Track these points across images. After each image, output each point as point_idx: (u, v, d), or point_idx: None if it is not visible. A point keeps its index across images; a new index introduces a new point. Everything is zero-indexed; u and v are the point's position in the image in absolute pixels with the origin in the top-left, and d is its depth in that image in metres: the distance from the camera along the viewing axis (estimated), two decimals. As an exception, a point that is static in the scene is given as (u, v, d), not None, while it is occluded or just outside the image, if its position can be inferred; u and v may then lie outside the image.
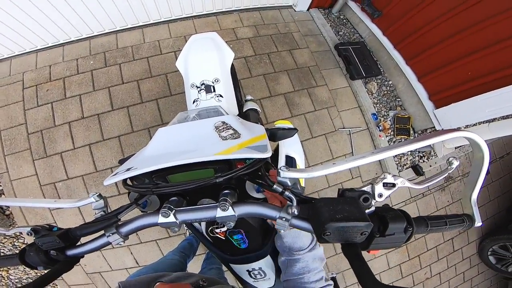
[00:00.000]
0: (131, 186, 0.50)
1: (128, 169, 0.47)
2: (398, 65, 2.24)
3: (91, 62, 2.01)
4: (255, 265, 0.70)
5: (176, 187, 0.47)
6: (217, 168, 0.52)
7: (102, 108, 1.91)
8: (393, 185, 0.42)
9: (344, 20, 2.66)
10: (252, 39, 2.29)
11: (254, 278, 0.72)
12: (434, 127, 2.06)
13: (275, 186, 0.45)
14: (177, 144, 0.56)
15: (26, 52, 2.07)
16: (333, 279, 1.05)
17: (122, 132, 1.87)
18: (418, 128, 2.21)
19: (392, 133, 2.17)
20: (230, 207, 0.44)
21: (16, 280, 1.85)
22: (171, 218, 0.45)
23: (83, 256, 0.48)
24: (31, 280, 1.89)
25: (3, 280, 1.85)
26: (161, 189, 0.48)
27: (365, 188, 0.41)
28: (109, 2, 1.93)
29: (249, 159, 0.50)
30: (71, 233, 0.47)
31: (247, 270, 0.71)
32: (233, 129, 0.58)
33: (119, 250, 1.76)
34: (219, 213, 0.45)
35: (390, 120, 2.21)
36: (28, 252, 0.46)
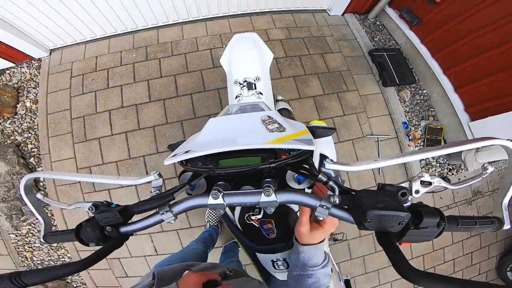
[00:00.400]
0: (192, 166, 0.54)
1: (187, 152, 0.51)
2: (434, 74, 2.16)
3: (134, 55, 2.11)
4: (281, 255, 0.71)
5: (234, 169, 0.51)
6: (264, 157, 0.56)
7: (140, 99, 1.98)
8: (430, 183, 0.44)
9: (380, 26, 2.60)
10: (283, 41, 2.31)
11: (276, 269, 0.74)
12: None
13: (320, 176, 0.48)
14: (229, 132, 0.60)
15: (77, 43, 2.21)
16: (347, 281, 1.06)
17: (157, 123, 1.93)
18: (449, 140, 2.12)
19: (422, 143, 2.09)
20: (273, 193, 0.47)
21: (38, 262, 1.93)
22: (220, 200, 0.48)
23: (132, 234, 0.50)
24: (53, 263, 1.98)
25: (26, 261, 1.92)
26: (222, 169, 0.51)
27: (403, 184, 0.44)
28: None
29: (294, 150, 0.54)
30: (128, 210, 0.49)
31: (272, 260, 0.73)
32: (278, 123, 0.61)
33: (141, 237, 1.79)
34: (262, 198, 0.47)
35: (421, 130, 2.14)
36: (85, 228, 0.48)
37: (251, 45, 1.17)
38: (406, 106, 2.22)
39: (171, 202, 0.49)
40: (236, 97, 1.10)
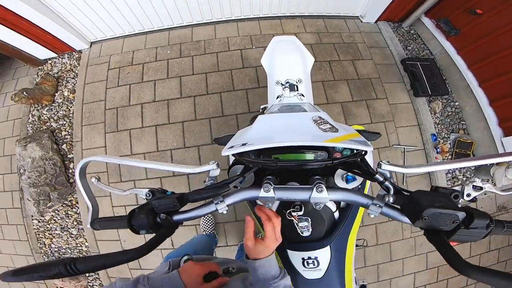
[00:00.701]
0: (253, 159, 0.56)
1: (244, 144, 0.52)
2: (469, 86, 2.07)
3: (168, 51, 2.17)
4: (313, 254, 0.70)
5: (293, 163, 0.52)
6: (317, 154, 0.59)
7: (172, 95, 2.01)
8: (481, 188, 0.46)
9: (415, 35, 2.53)
10: (313, 45, 2.29)
11: (305, 267, 0.72)
12: None
13: (377, 176, 0.49)
14: (281, 129, 0.61)
15: (116, 37, 2.29)
16: (363, 286, 1.04)
17: (186, 118, 1.95)
18: (480, 154, 2.00)
19: (449, 157, 1.99)
20: (325, 190, 0.48)
21: (56, 249, 1.94)
22: (271, 193, 0.49)
23: (182, 223, 0.50)
24: (70, 252, 1.99)
25: (44, 248, 1.94)
26: (284, 163, 0.53)
27: (456, 188, 0.46)
28: None
29: (348, 150, 0.58)
30: (185, 198, 0.49)
31: (302, 258, 0.72)
32: (330, 124, 0.62)
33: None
34: (314, 194, 0.48)
35: (449, 144, 2.05)
36: (138, 214, 0.47)
37: (294, 48, 1.19)
38: (436, 118, 2.15)
39: (225, 193, 0.48)
40: (278, 97, 1.11)
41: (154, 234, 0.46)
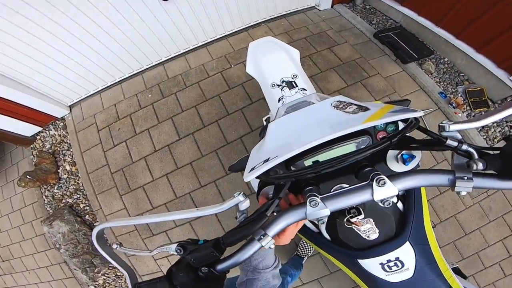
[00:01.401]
0: (286, 174, 0.37)
1: (266, 161, 0.34)
2: (448, 41, 1.71)
3: (149, 95, 1.60)
4: (392, 255, 0.47)
5: (337, 162, 0.32)
6: (359, 142, 0.39)
7: (170, 139, 1.66)
8: None
9: (372, 10, 2.15)
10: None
11: (388, 271, 0.49)
12: None
13: (449, 141, 0.30)
14: (302, 128, 0.40)
15: (91, 94, 1.87)
16: (456, 269, 0.77)
17: (192, 158, 1.61)
18: (496, 98, 1.64)
19: (468, 108, 1.64)
20: (388, 182, 0.30)
21: None
22: (321, 207, 0.31)
23: (228, 271, 0.33)
24: None
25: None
26: (327, 166, 0.32)
27: None
28: (150, 34, 1.66)
29: (390, 126, 0.40)
30: (221, 243, 0.33)
31: (380, 263, 0.48)
32: (355, 104, 0.41)
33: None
34: (376, 190, 0.30)
35: (461, 96, 1.68)
36: (176, 273, 0.32)
37: (275, 47, 0.91)
38: (434, 78, 1.76)
39: (265, 224, 0.33)
40: (279, 100, 0.82)
41: None
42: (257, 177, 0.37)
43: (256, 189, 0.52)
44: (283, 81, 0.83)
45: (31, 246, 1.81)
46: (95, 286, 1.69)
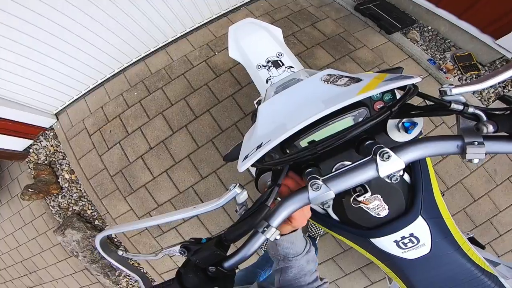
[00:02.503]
0: (282, 159, 0.32)
1: (259, 147, 0.31)
2: (429, 10, 1.62)
3: (135, 93, 1.51)
4: (405, 231, 0.44)
5: (335, 139, 0.28)
6: (356, 115, 0.36)
7: (163, 134, 1.58)
8: None
9: None
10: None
11: (403, 248, 0.46)
12: (504, 56, 1.35)
13: (453, 105, 0.27)
14: (293, 108, 0.37)
15: (75, 99, 1.75)
16: (472, 239, 0.74)
17: (189, 151, 1.54)
18: (485, 62, 1.58)
19: (459, 72, 1.57)
20: (393, 154, 0.26)
21: None
22: (324, 189, 0.28)
23: (238, 267, 0.31)
24: None
25: None
26: (325, 144, 0.29)
27: None
28: (124, 32, 1.52)
29: (387, 95, 0.36)
30: (224, 240, 0.31)
31: (395, 241, 0.45)
32: (346, 76, 0.37)
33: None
34: (381, 165, 0.26)
35: (450, 61, 1.61)
36: (185, 275, 0.30)
37: (255, 27, 0.85)
38: (421, 46, 1.68)
39: (267, 215, 0.30)
40: (267, 80, 0.78)
41: None
42: (252, 165, 0.33)
43: (254, 174, 0.48)
44: (268, 61, 0.78)
45: (51, 256, 1.80)
46: (119, 289, 1.76)
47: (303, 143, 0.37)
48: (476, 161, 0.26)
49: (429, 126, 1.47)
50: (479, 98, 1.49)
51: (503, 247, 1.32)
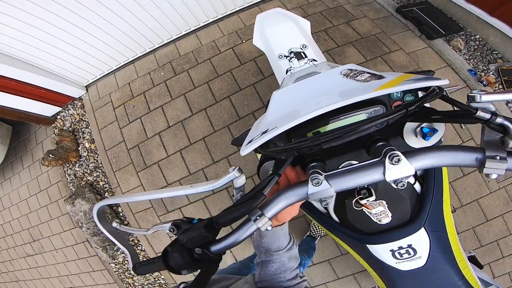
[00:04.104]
0: (284, 147, 0.31)
1: (264, 133, 0.29)
2: (480, 18, 1.51)
3: (162, 73, 1.52)
4: (404, 242, 0.41)
5: (341, 132, 0.25)
6: (371, 112, 0.33)
7: (183, 115, 1.59)
8: None
9: None
10: None
11: (398, 259, 0.43)
12: None
13: (479, 113, 0.24)
14: (308, 97, 0.35)
15: (106, 74, 1.81)
16: (472, 257, 0.68)
17: (205, 133, 1.53)
18: None
19: (500, 86, 1.46)
20: (403, 158, 0.24)
21: (140, 286, 1.70)
22: (324, 185, 0.26)
23: (225, 252, 0.30)
24: (151, 286, 1.61)
25: (130, 287, 1.70)
26: (329, 137, 0.26)
27: None
28: (159, 13, 1.55)
29: (411, 98, 0.33)
30: (214, 223, 0.29)
31: (391, 250, 0.42)
32: (368, 73, 0.34)
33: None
34: (389, 169, 0.24)
35: (493, 74, 1.49)
36: (171, 253, 0.29)
37: (283, 17, 0.80)
38: (464, 55, 1.56)
39: (262, 203, 0.28)
40: (287, 71, 0.72)
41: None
42: (255, 151, 0.32)
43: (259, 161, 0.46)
44: (291, 52, 0.75)
45: (57, 225, 1.84)
46: (115, 264, 1.69)
47: (311, 134, 0.35)
48: (494, 176, 0.24)
49: (456, 141, 1.35)
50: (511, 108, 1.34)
51: (502, 269, 1.27)
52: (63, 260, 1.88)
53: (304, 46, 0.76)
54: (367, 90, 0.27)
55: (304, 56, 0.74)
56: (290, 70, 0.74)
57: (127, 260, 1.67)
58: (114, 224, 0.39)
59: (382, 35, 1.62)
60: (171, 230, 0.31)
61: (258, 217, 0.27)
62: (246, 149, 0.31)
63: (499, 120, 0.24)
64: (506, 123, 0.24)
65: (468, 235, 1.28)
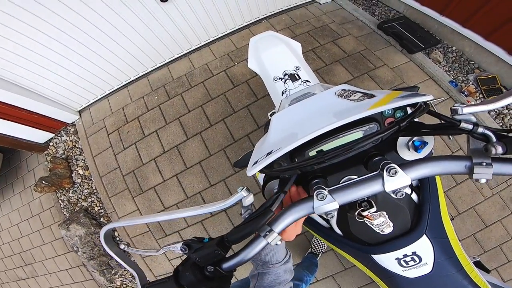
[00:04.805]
0: (290, 166, 0.32)
1: (269, 154, 0.31)
2: (454, 30, 1.60)
3: (156, 97, 1.53)
4: (408, 250, 0.43)
5: (342, 150, 0.28)
6: (367, 130, 0.35)
7: (178, 139, 1.60)
8: None
9: (373, 1, 2.03)
10: None
11: (404, 267, 0.44)
12: None
13: (463, 125, 0.27)
14: (305, 119, 0.37)
15: (99, 99, 1.81)
16: (477, 263, 0.69)
17: (201, 157, 1.54)
18: (510, 85, 1.51)
19: (481, 95, 1.52)
20: (400, 171, 0.26)
21: None
22: (329, 200, 0.27)
23: (235, 269, 0.30)
24: None
25: None
26: (332, 154, 0.29)
27: None
28: (152, 36, 1.59)
29: (399, 112, 0.36)
30: (226, 241, 0.30)
31: (396, 258, 0.44)
32: (360, 92, 0.38)
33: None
34: (388, 180, 0.26)
35: (472, 84, 1.56)
36: (183, 273, 0.29)
37: (276, 40, 0.85)
38: (443, 66, 1.63)
39: (270, 220, 0.30)
40: (283, 93, 0.76)
41: None
42: (260, 171, 0.34)
43: (262, 181, 0.47)
44: (285, 74, 0.78)
45: (51, 249, 1.80)
46: None
47: (312, 153, 0.37)
48: (483, 181, 0.26)
49: (446, 152, 1.42)
50: (501, 124, 1.40)
51: (511, 273, 1.26)
52: (58, 284, 1.83)
53: (297, 68, 0.79)
54: (361, 109, 0.30)
55: (298, 78, 0.77)
56: (285, 92, 0.77)
57: (129, 285, 1.64)
58: (122, 246, 0.40)
59: (367, 51, 1.70)
60: (183, 250, 0.31)
61: (267, 233, 0.28)
62: (252, 170, 0.32)
63: (480, 129, 0.26)
64: (487, 132, 0.26)
65: (470, 242, 1.30)
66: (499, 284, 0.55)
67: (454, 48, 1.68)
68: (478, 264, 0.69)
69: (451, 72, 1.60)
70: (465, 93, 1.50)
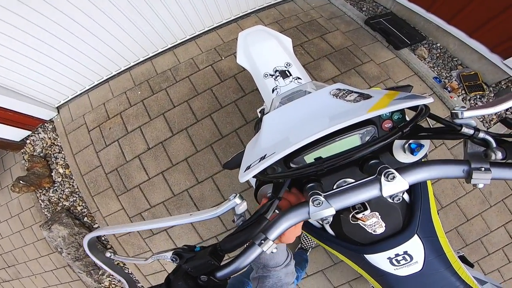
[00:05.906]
0: (285, 173, 0.31)
1: (262, 158, 0.30)
2: (440, 27, 1.62)
3: (139, 92, 1.45)
4: (399, 249, 0.43)
5: (343, 158, 0.27)
6: (364, 133, 0.35)
7: (163, 136, 1.53)
8: None
9: None
10: None
11: (396, 265, 0.44)
12: (511, 77, 1.45)
13: (464, 129, 0.26)
14: (300, 121, 0.35)
15: (78, 95, 1.70)
16: (462, 257, 0.71)
17: (187, 154, 1.48)
18: (491, 82, 1.54)
19: (463, 91, 1.54)
20: (398, 175, 0.25)
21: None
22: (325, 206, 0.26)
23: (229, 278, 0.29)
24: None
25: None
26: (332, 162, 0.27)
27: None
28: (135, 30, 1.49)
29: (396, 114, 0.35)
30: (219, 250, 0.29)
31: (388, 258, 0.44)
32: (356, 92, 0.35)
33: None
34: (385, 185, 0.25)
35: (455, 80, 1.58)
36: (175, 282, 0.28)
37: (265, 35, 0.80)
38: (428, 63, 1.65)
39: (265, 227, 0.29)
40: (273, 90, 0.72)
41: None
42: (253, 176, 0.32)
43: (254, 185, 0.46)
44: (276, 71, 0.74)
45: (34, 250, 1.71)
46: (101, 288, 1.69)
47: (308, 158, 0.36)
48: (481, 185, 0.26)
49: (440, 152, 1.41)
50: (481, 119, 1.44)
51: (491, 265, 1.32)
52: (44, 285, 1.75)
53: (288, 64, 0.75)
54: (359, 112, 0.28)
55: (289, 75, 0.73)
56: (276, 89, 0.73)
57: (118, 285, 1.58)
58: (108, 254, 0.37)
59: (354, 47, 1.69)
60: (173, 259, 0.30)
61: (262, 241, 0.27)
62: (245, 176, 0.30)
63: (481, 135, 0.25)
64: (488, 137, 0.25)
65: (453, 236, 1.33)
66: (482, 278, 0.57)
67: (438, 44, 1.71)
68: (463, 259, 0.71)
69: (435, 68, 1.62)
70: (448, 89, 1.52)
